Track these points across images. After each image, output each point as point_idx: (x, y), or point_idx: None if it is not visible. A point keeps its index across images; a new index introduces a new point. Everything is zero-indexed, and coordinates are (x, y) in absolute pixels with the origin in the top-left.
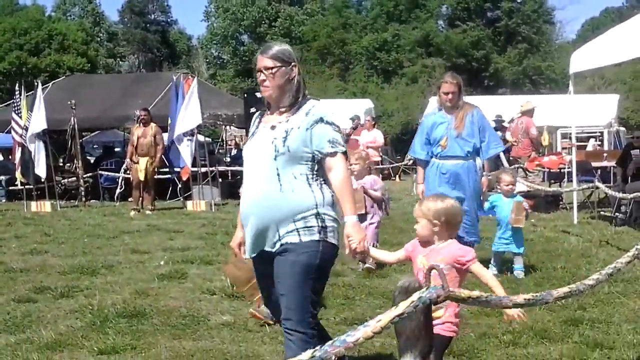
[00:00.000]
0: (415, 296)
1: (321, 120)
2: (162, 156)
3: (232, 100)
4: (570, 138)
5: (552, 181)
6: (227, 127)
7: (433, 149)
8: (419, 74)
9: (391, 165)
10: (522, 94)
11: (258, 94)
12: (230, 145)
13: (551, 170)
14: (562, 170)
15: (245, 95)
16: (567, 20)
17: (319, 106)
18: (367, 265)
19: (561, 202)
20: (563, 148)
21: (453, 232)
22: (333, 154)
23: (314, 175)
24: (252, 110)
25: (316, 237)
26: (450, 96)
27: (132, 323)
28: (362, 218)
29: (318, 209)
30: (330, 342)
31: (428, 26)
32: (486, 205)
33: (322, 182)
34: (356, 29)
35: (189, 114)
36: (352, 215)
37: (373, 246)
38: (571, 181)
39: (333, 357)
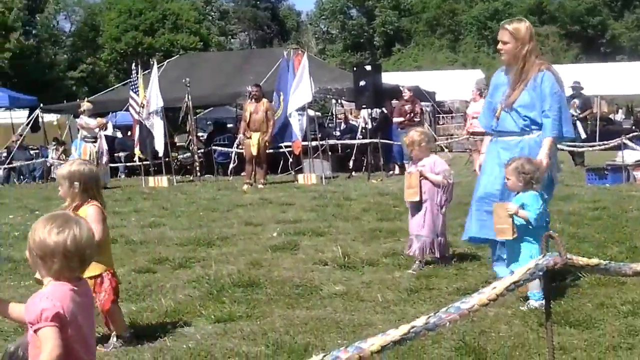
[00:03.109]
0: (532, 264)
1: None
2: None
3: (342, 74)
4: None
5: None
6: (337, 101)
7: (492, 122)
8: None
9: None
10: None
11: (367, 67)
12: (339, 119)
13: None
14: None
15: (355, 68)
16: None
17: None
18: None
19: None
20: None
21: None
22: None
23: None
24: (362, 83)
25: None
26: (503, 48)
27: (247, 292)
28: (419, 205)
29: None
30: (444, 308)
31: None
32: None
33: None
34: None
35: (300, 90)
36: None
37: (438, 239)
38: None
39: (447, 324)
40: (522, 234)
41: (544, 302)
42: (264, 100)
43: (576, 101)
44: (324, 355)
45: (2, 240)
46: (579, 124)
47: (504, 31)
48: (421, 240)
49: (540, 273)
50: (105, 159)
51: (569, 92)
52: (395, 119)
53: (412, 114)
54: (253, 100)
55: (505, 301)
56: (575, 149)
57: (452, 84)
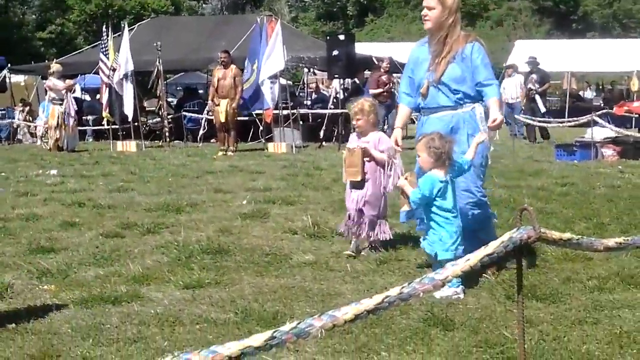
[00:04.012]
0: (505, 236)
1: None
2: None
3: (315, 43)
4: None
5: None
6: (309, 70)
7: (417, 98)
8: (504, 17)
9: None
10: (612, 37)
11: (341, 37)
12: (311, 88)
13: None
14: None
15: (328, 38)
16: None
17: None
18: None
19: None
20: None
21: None
22: None
23: None
24: (335, 53)
25: None
26: (427, 15)
27: (216, 259)
28: (358, 186)
29: None
30: (418, 279)
31: None
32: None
33: None
34: None
35: (273, 58)
36: None
37: (378, 223)
38: None
39: (421, 294)
40: (431, 215)
41: (458, 289)
42: (233, 66)
43: (534, 76)
44: (298, 323)
45: None
46: (538, 98)
47: None
48: (362, 219)
49: (514, 246)
50: (72, 121)
51: (525, 67)
52: (372, 91)
53: (389, 85)
54: (222, 66)
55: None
56: (540, 124)
57: None
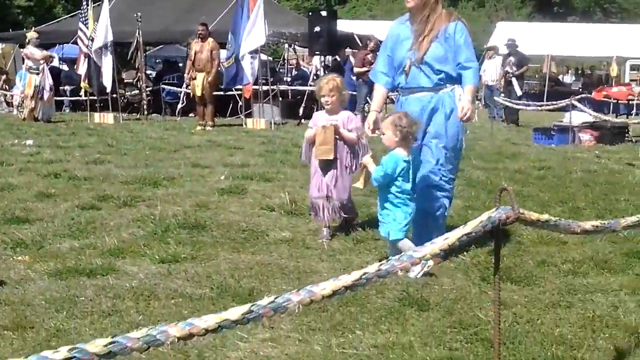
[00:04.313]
0: (484, 216)
1: None
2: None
3: (296, 18)
4: None
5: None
6: (290, 46)
7: (396, 78)
8: None
9: None
10: (592, 22)
11: (323, 13)
12: (291, 64)
13: (619, 102)
14: (630, 102)
15: (310, 14)
16: None
17: None
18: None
19: (627, 135)
20: (632, 80)
21: None
22: None
23: None
24: (317, 29)
25: None
26: None
27: (192, 234)
28: (330, 165)
29: None
30: (397, 256)
31: None
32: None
33: None
34: None
35: (254, 33)
36: None
37: (346, 203)
38: (639, 114)
39: (399, 272)
40: (388, 196)
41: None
42: (210, 39)
43: (512, 59)
44: (276, 297)
45: None
46: (514, 81)
47: None
48: (331, 203)
49: (492, 225)
50: (47, 94)
51: (504, 50)
52: (357, 69)
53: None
54: (199, 39)
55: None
56: (515, 106)
57: None
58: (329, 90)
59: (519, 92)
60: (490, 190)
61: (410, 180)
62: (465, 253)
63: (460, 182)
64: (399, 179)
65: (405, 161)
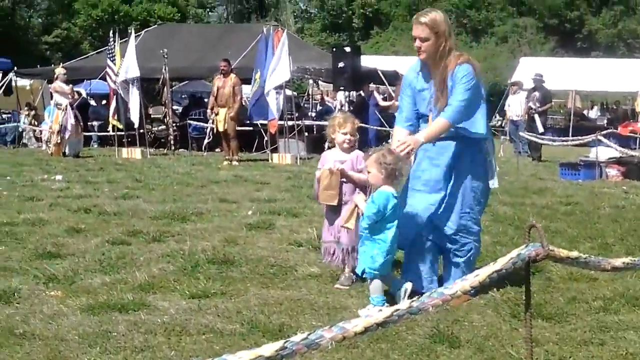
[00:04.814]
0: (514, 253)
1: None
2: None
3: (320, 54)
4: None
5: None
6: (314, 82)
7: (420, 125)
8: (509, 34)
9: None
10: (616, 57)
11: (347, 49)
12: (316, 99)
13: None
14: None
15: (334, 49)
16: None
17: None
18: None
19: None
20: None
21: None
22: None
23: None
24: (341, 65)
25: None
26: (419, 44)
27: (221, 269)
28: (339, 207)
29: None
30: (427, 293)
31: None
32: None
33: None
34: None
35: (279, 68)
36: None
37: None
38: None
39: (430, 309)
40: (371, 231)
41: (382, 307)
42: (232, 75)
43: (536, 94)
44: (309, 334)
45: None
46: (537, 117)
47: (420, 26)
48: (341, 248)
49: (522, 263)
50: (68, 133)
51: (530, 84)
52: (383, 103)
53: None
54: (221, 75)
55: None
56: (539, 141)
57: None
58: (353, 129)
59: (541, 129)
60: (518, 226)
61: (396, 216)
62: (494, 289)
63: (487, 218)
64: (387, 215)
65: (394, 197)
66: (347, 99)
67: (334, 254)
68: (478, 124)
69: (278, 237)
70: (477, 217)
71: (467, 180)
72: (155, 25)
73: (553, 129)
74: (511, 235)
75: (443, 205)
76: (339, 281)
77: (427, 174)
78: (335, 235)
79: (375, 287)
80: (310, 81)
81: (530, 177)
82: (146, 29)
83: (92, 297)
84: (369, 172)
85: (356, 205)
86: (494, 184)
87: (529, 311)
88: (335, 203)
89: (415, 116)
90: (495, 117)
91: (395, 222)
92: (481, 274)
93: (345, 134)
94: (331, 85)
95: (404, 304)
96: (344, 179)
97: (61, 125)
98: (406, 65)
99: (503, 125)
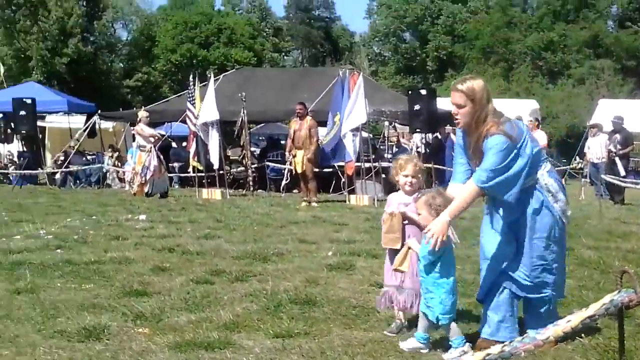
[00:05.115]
0: (606, 299)
1: None
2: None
3: (395, 96)
4: None
5: None
6: (390, 124)
7: None
8: (586, 76)
9: (556, 169)
10: None
11: (422, 92)
12: (391, 141)
13: None
14: None
15: (410, 92)
16: None
17: None
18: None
19: None
20: None
21: None
22: None
23: None
24: (416, 107)
25: None
26: (455, 111)
27: (304, 310)
28: (397, 252)
29: None
30: (519, 338)
31: (597, 26)
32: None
33: None
34: (521, 27)
35: (355, 111)
36: None
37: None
38: None
39: (522, 354)
40: (431, 278)
41: (464, 347)
42: (308, 117)
43: (617, 136)
44: None
45: (62, 242)
46: (618, 160)
47: (457, 93)
48: (404, 293)
49: (614, 309)
50: (150, 173)
51: (609, 126)
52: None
53: None
54: (297, 118)
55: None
56: (622, 184)
57: (505, 112)
58: (415, 171)
59: (623, 172)
60: (603, 270)
61: (452, 256)
62: (582, 334)
63: (571, 262)
64: (441, 257)
65: (448, 237)
66: (423, 141)
67: (394, 299)
68: (509, 187)
69: (359, 278)
70: (551, 266)
71: (529, 231)
72: (233, 70)
73: (635, 172)
74: (597, 279)
75: (515, 258)
76: (388, 328)
77: (497, 226)
78: (397, 280)
79: (454, 330)
80: (386, 123)
81: (613, 221)
82: (224, 73)
83: (179, 334)
84: (419, 214)
85: (409, 248)
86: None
87: (623, 358)
88: (398, 246)
89: (469, 174)
90: (575, 159)
91: (454, 261)
92: (573, 320)
93: (407, 176)
94: (407, 127)
95: (495, 349)
96: (407, 222)
97: (144, 166)
98: None
99: (583, 167)
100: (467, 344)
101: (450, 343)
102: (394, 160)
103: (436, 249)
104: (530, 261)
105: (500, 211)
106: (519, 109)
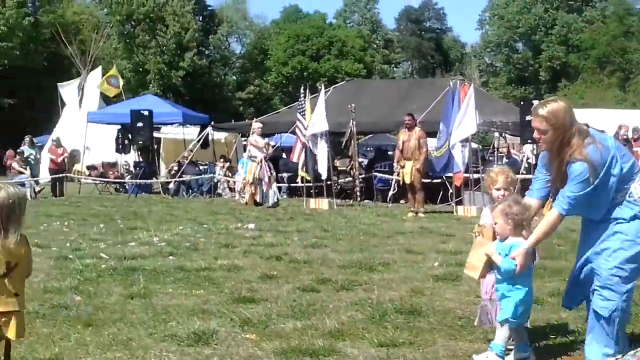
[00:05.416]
0: None
1: None
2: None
3: (506, 107)
4: None
5: None
6: (500, 135)
7: None
8: None
9: None
10: None
11: (535, 102)
12: (501, 152)
13: None
14: None
15: (522, 102)
16: None
17: None
18: None
19: None
20: None
21: None
22: None
23: None
24: (528, 118)
25: None
26: (537, 136)
27: (409, 319)
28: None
29: None
30: (632, 351)
31: None
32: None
33: None
34: (639, 37)
35: (465, 121)
36: None
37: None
38: None
39: None
40: (508, 284)
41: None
42: (417, 128)
43: None
44: None
45: (174, 250)
46: None
47: (537, 118)
48: (494, 306)
49: None
50: (265, 186)
51: None
52: None
53: None
54: (406, 128)
55: None
56: None
57: (621, 123)
58: (507, 183)
59: None
60: None
61: (531, 267)
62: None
63: None
64: None
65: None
66: (534, 152)
67: (487, 313)
68: (596, 208)
69: (465, 289)
70: (630, 275)
71: (620, 236)
72: (343, 82)
73: None
74: None
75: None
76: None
77: (594, 235)
78: (488, 293)
79: (504, 335)
80: (496, 134)
81: None
82: (334, 85)
83: (285, 341)
84: (495, 223)
85: (489, 256)
86: None
87: None
88: (476, 277)
89: (545, 191)
90: None
91: (531, 271)
92: None
93: (499, 189)
94: (517, 138)
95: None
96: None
97: (256, 177)
98: (596, 118)
99: None
100: (532, 353)
101: (491, 345)
102: (486, 172)
103: (524, 269)
104: (607, 266)
105: (594, 222)
106: (635, 120)
